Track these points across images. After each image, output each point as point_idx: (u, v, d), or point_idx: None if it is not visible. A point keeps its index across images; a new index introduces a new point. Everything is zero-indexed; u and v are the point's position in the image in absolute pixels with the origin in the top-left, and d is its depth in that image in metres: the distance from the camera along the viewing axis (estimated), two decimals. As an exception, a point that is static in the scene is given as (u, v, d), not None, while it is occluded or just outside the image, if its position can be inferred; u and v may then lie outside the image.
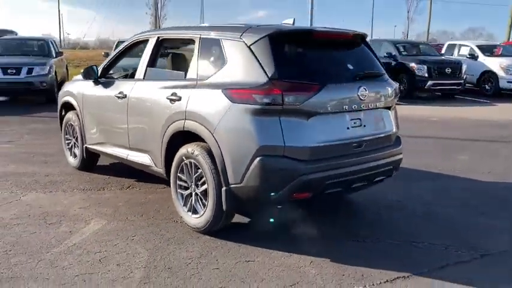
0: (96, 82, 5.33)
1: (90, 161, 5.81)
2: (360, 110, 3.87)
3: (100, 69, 5.38)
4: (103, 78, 5.33)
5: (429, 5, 50.04)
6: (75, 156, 5.94)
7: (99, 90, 5.29)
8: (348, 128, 3.79)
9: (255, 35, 3.70)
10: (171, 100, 4.12)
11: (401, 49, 16.10)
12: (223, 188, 3.66)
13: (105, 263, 3.46)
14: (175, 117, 4.06)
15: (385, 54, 15.58)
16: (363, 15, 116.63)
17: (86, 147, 5.63)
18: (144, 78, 4.71)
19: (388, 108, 4.18)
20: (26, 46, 13.74)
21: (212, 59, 4.03)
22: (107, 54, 12.92)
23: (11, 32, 19.68)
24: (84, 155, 5.71)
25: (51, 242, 3.80)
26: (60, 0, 49.64)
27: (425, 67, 14.35)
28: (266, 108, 3.47)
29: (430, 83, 14.26)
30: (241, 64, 3.71)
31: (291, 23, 4.23)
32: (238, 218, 4.21)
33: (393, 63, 15.26)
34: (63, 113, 6.13)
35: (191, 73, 4.13)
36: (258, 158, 3.47)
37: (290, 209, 4.46)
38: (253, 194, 3.58)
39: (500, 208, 4.86)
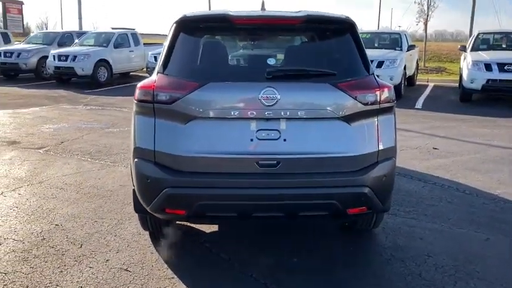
0: None
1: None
2: (277, 119, 2.91)
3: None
4: None
5: None
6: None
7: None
8: (251, 140, 2.93)
9: (173, 23, 3.26)
10: None
11: None
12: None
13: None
14: None
15: None
16: None
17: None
18: None
19: (347, 120, 2.97)
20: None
21: None
22: (463, 48, 12.67)
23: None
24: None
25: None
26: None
27: None
28: (142, 105, 3.08)
29: None
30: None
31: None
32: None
33: None
34: None
35: None
36: (134, 161, 3.13)
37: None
38: (140, 200, 3.25)
39: None
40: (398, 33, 13.81)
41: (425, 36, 20.72)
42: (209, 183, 2.93)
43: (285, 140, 2.92)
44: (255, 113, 2.88)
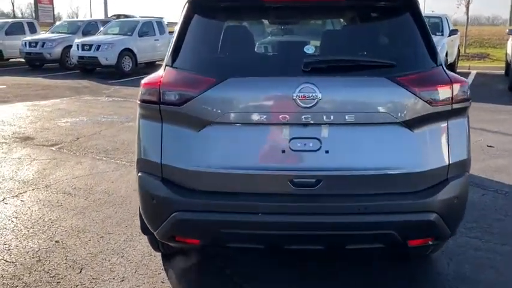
0: None
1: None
2: (318, 124, 2.25)
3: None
4: None
5: None
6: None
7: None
8: (283, 152, 2.28)
9: (185, 3, 2.62)
10: None
11: None
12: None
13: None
14: None
15: None
16: None
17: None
18: None
19: (408, 125, 2.28)
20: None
21: None
22: (511, 32, 11.86)
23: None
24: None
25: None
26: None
27: None
28: (146, 107, 2.48)
29: None
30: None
31: None
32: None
33: None
34: None
35: None
36: (138, 175, 2.54)
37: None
38: (146, 222, 2.65)
39: None
40: (439, 17, 12.83)
41: (466, 20, 19.46)
42: (228, 207, 2.30)
43: (327, 151, 2.25)
44: (288, 116, 2.23)
